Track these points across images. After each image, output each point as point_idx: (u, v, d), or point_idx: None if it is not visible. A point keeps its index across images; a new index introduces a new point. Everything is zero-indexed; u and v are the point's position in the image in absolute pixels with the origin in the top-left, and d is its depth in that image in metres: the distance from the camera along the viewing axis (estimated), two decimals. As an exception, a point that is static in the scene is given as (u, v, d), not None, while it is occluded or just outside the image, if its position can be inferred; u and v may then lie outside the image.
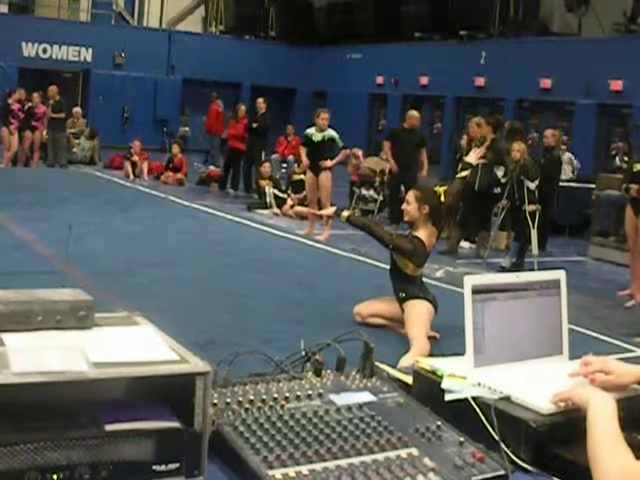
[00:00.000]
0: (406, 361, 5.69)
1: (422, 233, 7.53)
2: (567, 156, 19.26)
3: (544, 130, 17.26)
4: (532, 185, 13.11)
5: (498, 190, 14.00)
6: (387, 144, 16.78)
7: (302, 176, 16.70)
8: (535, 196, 13.16)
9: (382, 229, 8.34)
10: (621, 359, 2.63)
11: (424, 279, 7.93)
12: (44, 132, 22.91)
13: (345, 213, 7.88)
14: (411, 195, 7.63)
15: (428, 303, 7.38)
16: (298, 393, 2.35)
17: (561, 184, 16.05)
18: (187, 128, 31.32)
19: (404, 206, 7.67)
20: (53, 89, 23.17)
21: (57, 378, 1.85)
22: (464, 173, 13.67)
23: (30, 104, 22.59)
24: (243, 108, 21.40)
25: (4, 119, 22.28)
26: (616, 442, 2.04)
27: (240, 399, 2.29)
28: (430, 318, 7.33)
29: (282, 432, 2.14)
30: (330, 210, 8.59)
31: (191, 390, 1.98)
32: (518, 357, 2.68)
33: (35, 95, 22.75)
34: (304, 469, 2.02)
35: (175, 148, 22.82)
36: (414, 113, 17.07)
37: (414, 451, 2.15)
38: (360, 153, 19.28)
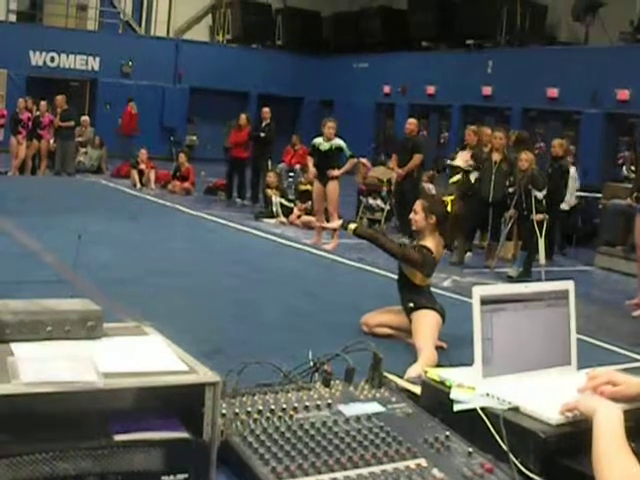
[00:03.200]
0: (414, 371, 5.69)
1: (430, 242, 7.53)
2: (573, 170, 17.05)
3: (551, 139, 17.25)
4: (540, 195, 13.10)
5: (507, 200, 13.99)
6: (394, 157, 16.74)
7: (308, 186, 16.71)
8: (543, 206, 13.15)
9: (390, 240, 8.33)
10: (628, 369, 2.63)
11: (431, 289, 7.92)
12: (51, 141, 22.98)
13: (352, 226, 7.87)
14: (418, 205, 7.63)
15: (436, 313, 7.38)
16: (307, 403, 2.35)
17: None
18: (194, 137, 31.38)
19: (412, 215, 7.67)
20: (60, 98, 23.25)
21: (66, 388, 1.85)
22: (455, 178, 13.66)
23: (37, 113, 22.69)
24: (244, 117, 21.38)
25: (13, 128, 22.35)
26: (620, 452, 2.03)
27: (249, 409, 2.29)
28: (438, 328, 7.33)
29: (291, 443, 2.14)
30: (337, 223, 8.58)
31: (200, 400, 1.98)
32: (526, 368, 2.68)
33: (42, 104, 22.83)
34: (313, 480, 2.02)
35: (182, 157, 22.83)
36: (410, 120, 17.02)
37: (423, 462, 2.15)
38: (369, 163, 19.27)
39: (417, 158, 15.95)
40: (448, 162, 15.25)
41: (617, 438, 2.07)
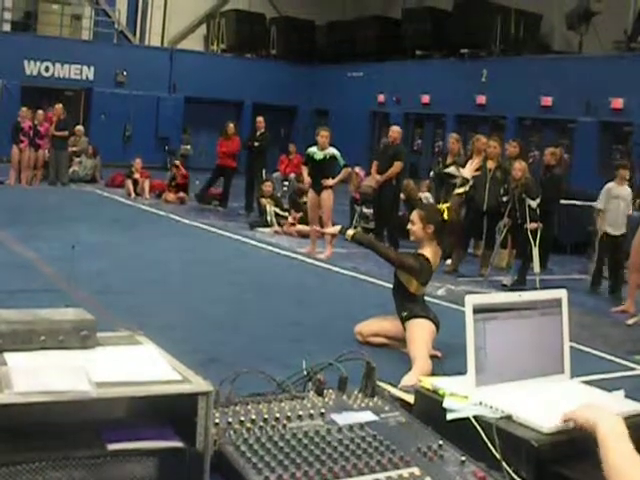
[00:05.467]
0: (408, 380, 5.70)
1: (428, 252, 7.55)
2: (627, 191, 14.05)
3: (545, 148, 17.27)
4: (534, 203, 13.11)
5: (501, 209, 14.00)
6: (375, 163, 16.64)
7: (305, 198, 16.69)
8: (537, 214, 13.16)
9: (387, 247, 8.36)
10: (622, 377, 2.63)
11: (425, 297, 7.93)
12: (46, 150, 22.96)
13: (350, 232, 7.89)
14: (415, 215, 7.64)
15: (430, 322, 7.38)
16: (300, 413, 2.36)
17: (562, 202, 16.02)
18: (188, 146, 31.40)
19: (409, 226, 7.68)
20: (59, 108, 23.22)
21: (60, 398, 1.85)
22: (461, 189, 13.62)
23: (35, 122, 22.66)
24: (232, 125, 21.33)
25: (15, 138, 22.30)
26: (634, 460, 2.03)
27: (242, 418, 2.29)
28: (432, 337, 7.34)
29: (284, 452, 2.14)
30: (335, 229, 8.57)
31: (193, 410, 1.98)
32: (520, 376, 2.68)
33: (40, 113, 22.80)
34: (306, 489, 2.02)
35: (174, 169, 22.68)
36: (393, 127, 16.95)
37: (416, 470, 2.15)
38: (362, 172, 19.23)
39: (397, 166, 15.84)
40: (447, 171, 15.17)
41: (626, 447, 2.07)
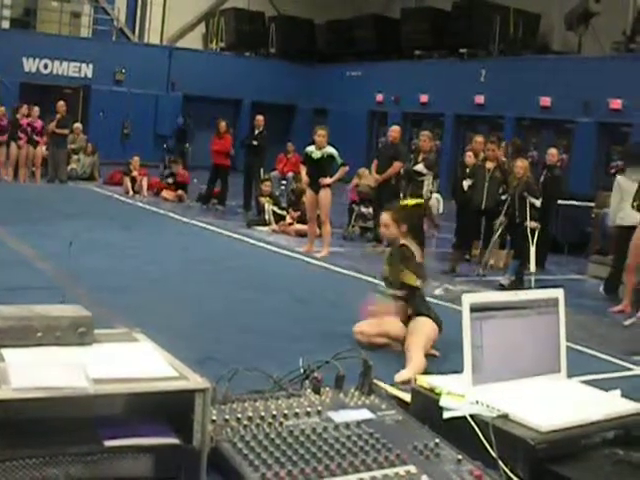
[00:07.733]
0: (401, 376, 5.72)
1: (408, 244, 7.61)
2: None
3: (544, 148, 17.27)
4: (537, 202, 13.07)
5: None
6: (375, 162, 16.70)
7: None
8: (539, 213, 13.15)
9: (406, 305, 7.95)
10: (619, 378, 2.63)
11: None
12: (43, 147, 22.93)
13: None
14: (387, 218, 7.64)
15: (432, 322, 7.37)
16: (297, 410, 2.36)
17: (561, 202, 16.02)
18: (187, 144, 31.37)
19: (382, 230, 7.71)
20: (61, 105, 23.18)
21: (57, 394, 1.85)
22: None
23: (30, 119, 22.62)
24: (223, 124, 21.22)
25: (13, 134, 22.26)
26: None
27: (239, 416, 2.29)
28: (433, 336, 7.32)
29: (280, 449, 2.15)
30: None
31: (190, 407, 1.98)
32: (516, 375, 2.69)
33: (35, 109, 22.75)
34: (302, 486, 2.02)
35: (176, 167, 22.58)
36: (393, 127, 16.99)
37: (412, 468, 2.16)
38: (366, 172, 19.19)
39: (397, 166, 15.83)
40: (415, 169, 15.08)
41: None
